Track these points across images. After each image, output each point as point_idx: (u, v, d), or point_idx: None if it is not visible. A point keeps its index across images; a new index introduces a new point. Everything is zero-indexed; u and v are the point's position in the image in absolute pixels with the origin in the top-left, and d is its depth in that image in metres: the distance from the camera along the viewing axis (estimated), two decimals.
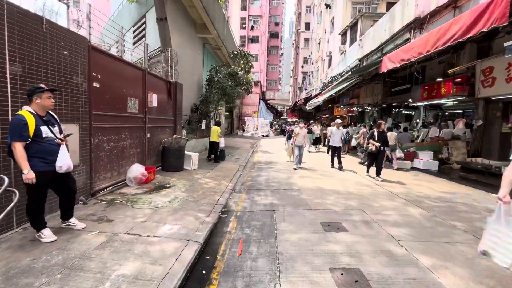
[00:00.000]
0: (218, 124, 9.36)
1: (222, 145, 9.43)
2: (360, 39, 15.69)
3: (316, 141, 15.28)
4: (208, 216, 4.16)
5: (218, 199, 5.13)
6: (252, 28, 44.46)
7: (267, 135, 28.86)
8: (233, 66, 15.26)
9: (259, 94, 35.77)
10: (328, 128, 12.73)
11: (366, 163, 8.51)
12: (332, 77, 18.77)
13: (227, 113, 28.10)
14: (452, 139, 10.16)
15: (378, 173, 7.49)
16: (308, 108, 25.97)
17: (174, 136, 7.26)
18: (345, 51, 18.89)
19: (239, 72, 14.90)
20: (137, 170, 5.66)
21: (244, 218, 4.33)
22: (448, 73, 10.11)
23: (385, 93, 15.61)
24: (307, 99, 27.17)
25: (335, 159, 9.17)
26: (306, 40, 43.86)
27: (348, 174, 8.27)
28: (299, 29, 37.29)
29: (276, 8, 49.90)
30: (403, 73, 13.58)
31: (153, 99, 6.88)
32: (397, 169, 9.18)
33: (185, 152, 7.76)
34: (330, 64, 23.76)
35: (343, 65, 18.95)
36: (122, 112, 5.49)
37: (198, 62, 15.02)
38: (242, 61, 15.42)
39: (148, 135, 6.61)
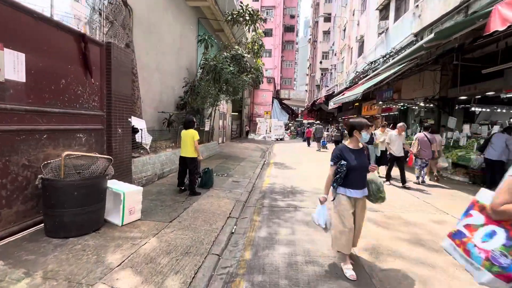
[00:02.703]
0: (190, 124, 4.83)
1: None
2: (416, 6, 11.09)
3: (380, 161, 7.77)
4: None
5: None
6: (265, 20, 40.22)
7: (281, 139, 24.51)
8: (237, 47, 11.07)
9: (272, 93, 31.55)
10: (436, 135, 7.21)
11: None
12: (371, 62, 14.20)
13: (236, 113, 23.95)
14: None
15: None
16: (330, 107, 21.53)
17: (65, 153, 3.01)
18: (387, 29, 14.26)
19: (245, 55, 10.69)
20: None
21: None
22: None
23: (446, 82, 11.11)
24: (329, 97, 22.64)
25: None
26: (325, 32, 39.05)
27: None
28: (320, 15, 32.71)
29: None
30: (480, 52, 9.16)
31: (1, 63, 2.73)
32: None
33: (110, 186, 3.56)
34: (361, 51, 19.11)
35: (384, 47, 14.32)
36: None
37: (189, 42, 10.90)
38: (247, 27, 10.97)
39: None
